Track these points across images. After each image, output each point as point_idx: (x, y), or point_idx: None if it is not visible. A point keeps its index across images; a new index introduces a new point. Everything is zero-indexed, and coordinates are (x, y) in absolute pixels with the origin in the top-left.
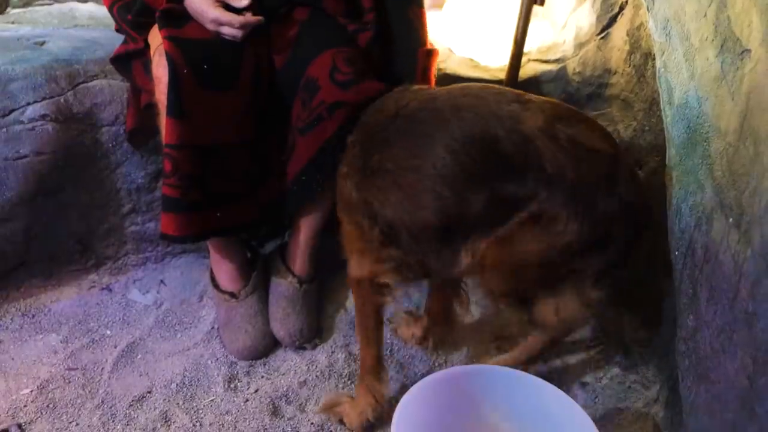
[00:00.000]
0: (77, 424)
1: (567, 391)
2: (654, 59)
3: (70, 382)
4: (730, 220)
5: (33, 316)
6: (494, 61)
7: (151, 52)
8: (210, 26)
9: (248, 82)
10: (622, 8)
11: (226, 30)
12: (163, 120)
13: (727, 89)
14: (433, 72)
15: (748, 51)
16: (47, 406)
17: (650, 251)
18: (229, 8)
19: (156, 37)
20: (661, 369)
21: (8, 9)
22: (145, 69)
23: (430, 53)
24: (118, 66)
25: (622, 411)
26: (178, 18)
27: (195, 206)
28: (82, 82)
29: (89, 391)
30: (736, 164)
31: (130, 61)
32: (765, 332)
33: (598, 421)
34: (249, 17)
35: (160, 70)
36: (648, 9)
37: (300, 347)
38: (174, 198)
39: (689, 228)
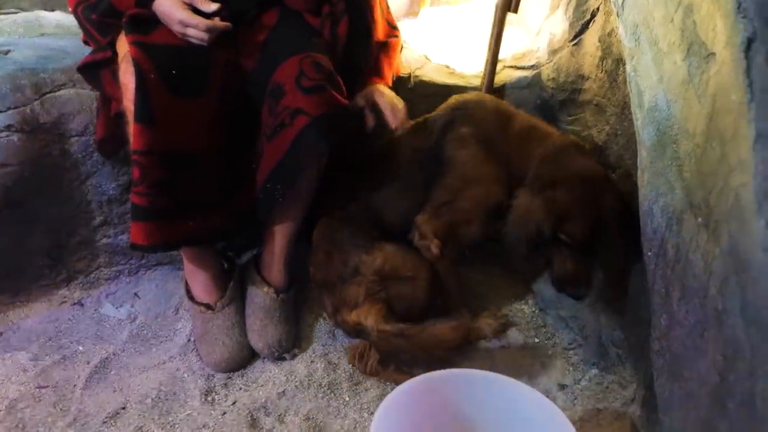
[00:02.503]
0: None
1: (546, 394)
2: (625, 64)
3: (40, 400)
4: (699, 219)
5: (1, 333)
6: (470, 68)
7: (119, 60)
8: (177, 28)
9: (217, 88)
10: (593, 15)
11: (192, 32)
12: (131, 127)
13: (694, 92)
14: (392, 62)
15: (713, 54)
16: (16, 426)
17: (625, 252)
18: (198, 12)
19: (123, 45)
20: (638, 369)
21: None
22: (114, 77)
23: (384, 45)
24: (86, 75)
25: (600, 411)
26: (145, 23)
27: (165, 214)
28: (49, 92)
29: (60, 409)
30: (704, 165)
31: (98, 70)
32: (734, 329)
33: (576, 422)
34: (217, 22)
35: (128, 76)
36: (618, 15)
37: (279, 358)
38: (143, 206)
39: (661, 229)
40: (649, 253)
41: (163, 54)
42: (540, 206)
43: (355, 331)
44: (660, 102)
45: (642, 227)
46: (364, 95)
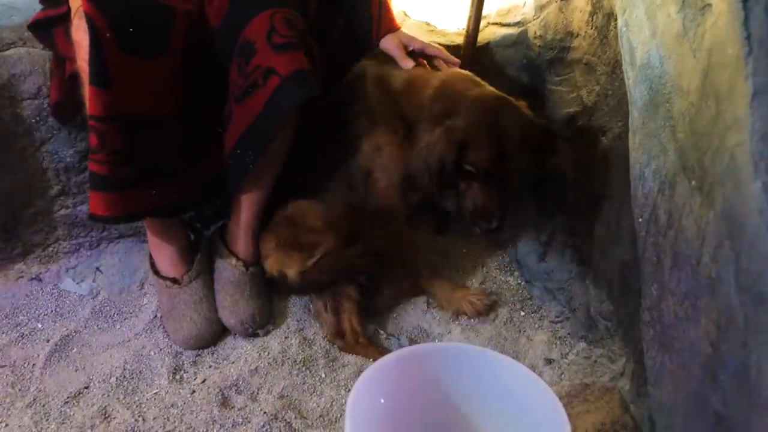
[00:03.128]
0: (6, 425)
1: (532, 368)
2: (616, 20)
3: None
4: (693, 182)
5: None
6: (451, 25)
7: (72, 15)
8: None
9: (180, 46)
10: None
11: None
12: (86, 90)
13: (689, 46)
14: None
15: (710, 5)
16: None
17: (614, 220)
18: None
19: None
20: (627, 342)
21: None
22: (67, 35)
23: None
24: (38, 33)
25: (588, 386)
26: None
27: (126, 183)
28: None
29: (19, 390)
30: (698, 124)
31: (50, 28)
32: (728, 297)
33: (563, 398)
34: None
35: (80, 33)
36: None
37: (252, 334)
38: (102, 175)
39: (652, 193)
40: (640, 220)
41: (119, 9)
42: (440, 137)
43: (279, 278)
44: (653, 58)
45: (633, 192)
46: (398, 42)
